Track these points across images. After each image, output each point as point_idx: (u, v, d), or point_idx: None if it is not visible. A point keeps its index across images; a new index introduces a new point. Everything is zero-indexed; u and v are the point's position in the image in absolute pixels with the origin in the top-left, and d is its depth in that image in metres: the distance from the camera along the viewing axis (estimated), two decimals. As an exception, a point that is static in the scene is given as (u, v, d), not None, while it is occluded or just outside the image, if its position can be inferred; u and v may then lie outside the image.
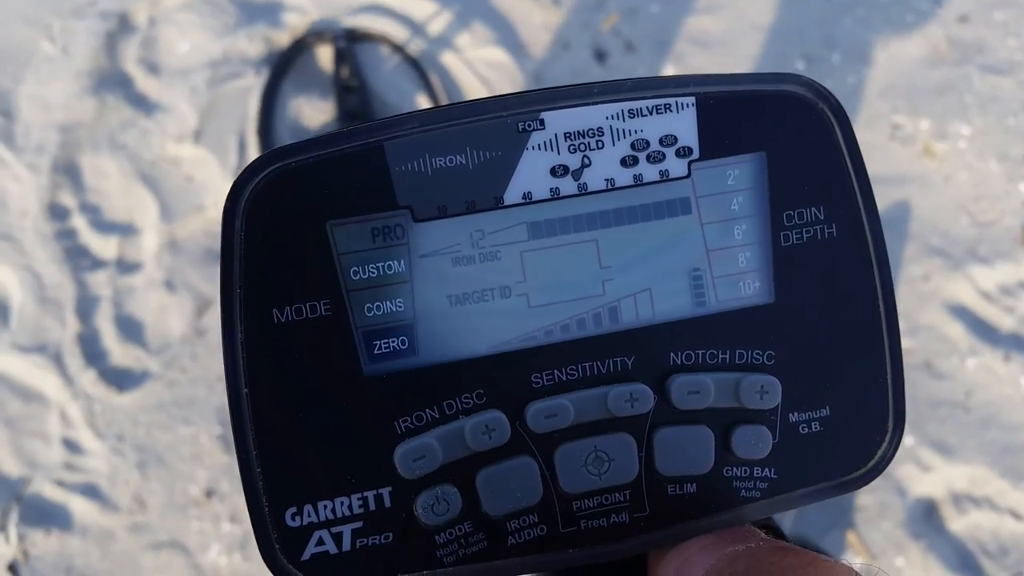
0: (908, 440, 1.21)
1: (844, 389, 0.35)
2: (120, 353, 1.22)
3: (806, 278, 0.35)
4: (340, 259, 0.32)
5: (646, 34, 1.39)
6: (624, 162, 0.33)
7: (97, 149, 1.30)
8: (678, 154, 0.34)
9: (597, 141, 0.33)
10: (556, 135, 0.33)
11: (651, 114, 0.33)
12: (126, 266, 1.25)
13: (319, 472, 0.32)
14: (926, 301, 1.27)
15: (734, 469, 0.34)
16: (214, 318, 1.20)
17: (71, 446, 1.18)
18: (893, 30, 1.40)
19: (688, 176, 0.34)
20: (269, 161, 0.32)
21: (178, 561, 1.14)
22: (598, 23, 1.39)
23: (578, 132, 0.33)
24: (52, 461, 1.17)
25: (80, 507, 1.16)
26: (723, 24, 1.40)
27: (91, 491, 1.17)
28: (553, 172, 0.33)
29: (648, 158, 0.34)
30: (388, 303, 0.32)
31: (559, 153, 0.33)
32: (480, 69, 1.36)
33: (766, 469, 0.35)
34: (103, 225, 1.27)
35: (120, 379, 1.21)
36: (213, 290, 1.21)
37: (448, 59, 1.37)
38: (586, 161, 0.33)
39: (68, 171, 1.29)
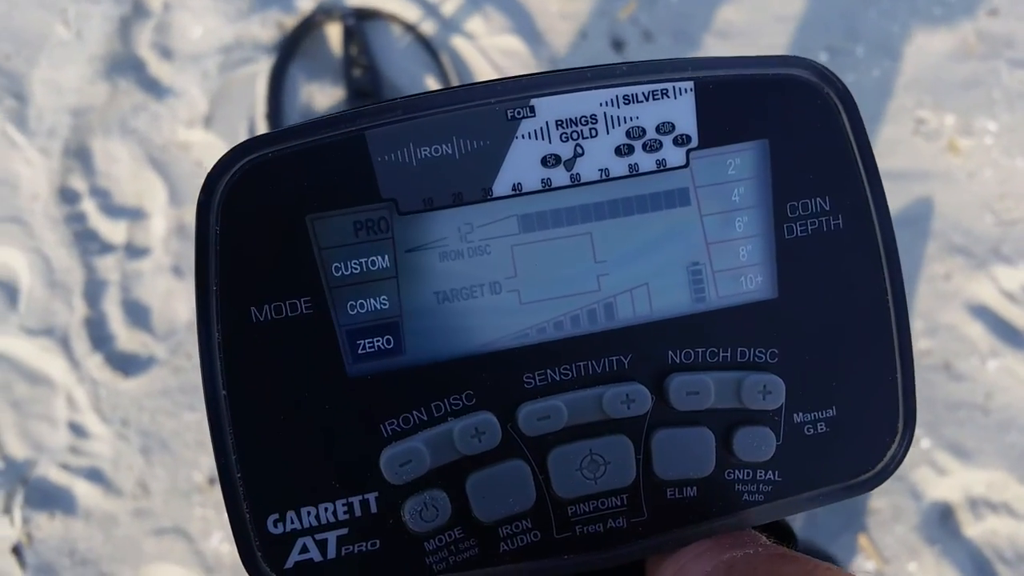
0: (924, 443, 1.19)
1: (851, 388, 0.34)
2: (127, 338, 1.22)
3: (811, 272, 0.33)
4: (321, 254, 0.31)
5: (665, 23, 1.36)
6: (619, 151, 0.32)
7: (108, 133, 1.30)
8: (676, 142, 0.32)
9: (590, 129, 0.32)
10: (547, 123, 0.31)
11: (647, 100, 0.32)
12: (134, 251, 1.25)
13: (302, 477, 0.31)
14: (947, 301, 1.24)
15: (736, 472, 0.33)
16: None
17: (77, 430, 1.19)
18: (920, 22, 1.36)
19: (686, 165, 0.33)
20: (244, 152, 0.30)
21: (180, 547, 1.14)
22: (616, 11, 1.37)
23: (570, 120, 0.32)
24: (58, 444, 1.18)
25: (84, 491, 1.16)
26: (745, 14, 1.37)
27: (95, 475, 1.17)
28: (544, 162, 0.32)
29: (644, 147, 0.32)
30: (372, 300, 0.31)
31: (550, 142, 0.32)
32: (494, 57, 1.35)
33: (770, 472, 0.34)
34: (112, 209, 1.27)
35: (126, 364, 1.21)
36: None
37: (461, 44, 1.36)
38: (579, 150, 0.32)
39: (79, 155, 1.29)
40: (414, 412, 0.31)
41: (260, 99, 1.30)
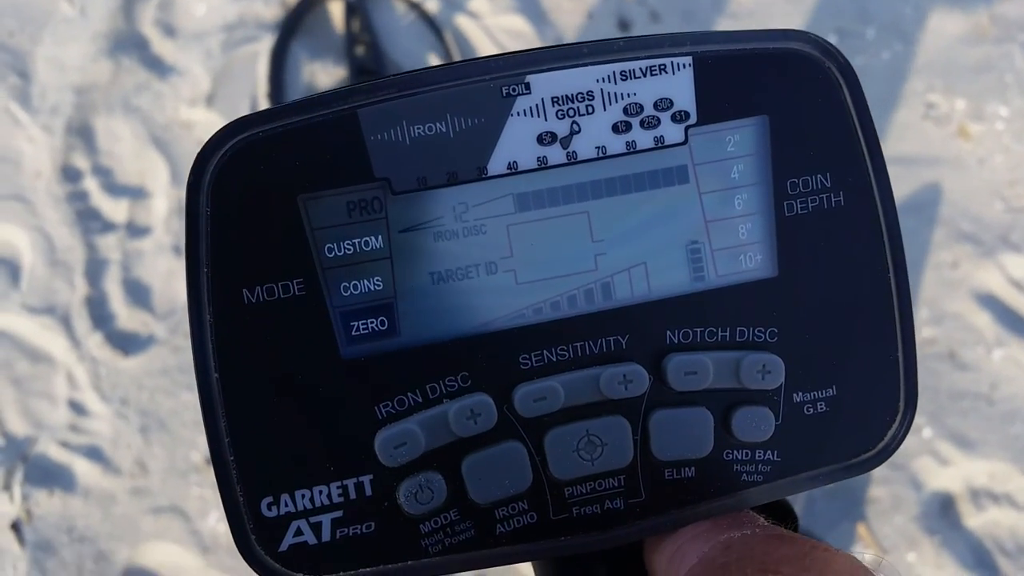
0: (926, 432, 1.18)
1: (852, 368, 0.33)
2: (127, 317, 1.22)
3: (811, 250, 0.33)
4: (314, 235, 0.30)
5: (672, 3, 1.34)
6: (616, 128, 0.31)
7: (111, 111, 1.29)
8: (674, 119, 0.32)
9: (587, 106, 0.31)
10: (543, 100, 0.31)
11: (645, 76, 0.31)
12: (136, 230, 1.25)
13: (296, 460, 0.31)
14: (953, 288, 1.23)
15: (735, 452, 0.33)
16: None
17: (76, 408, 1.19)
18: (932, 4, 1.34)
19: (685, 142, 0.32)
20: (235, 131, 0.30)
21: (177, 526, 1.14)
22: (623, -8, 1.35)
23: (566, 96, 0.31)
24: (58, 422, 1.18)
25: (83, 469, 1.16)
26: (753, -5, 1.35)
27: (94, 453, 1.17)
28: (540, 140, 0.31)
29: (642, 124, 0.31)
30: (366, 281, 0.31)
31: (546, 119, 0.31)
32: (499, 36, 1.33)
33: (769, 452, 0.33)
34: (115, 188, 1.27)
35: (126, 343, 1.22)
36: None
37: (465, 23, 1.34)
38: (575, 128, 0.31)
39: (82, 133, 1.29)
40: (409, 394, 0.31)
41: (262, 78, 1.29)
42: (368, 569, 0.32)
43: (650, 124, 0.31)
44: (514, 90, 0.31)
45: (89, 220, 1.25)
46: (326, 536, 0.31)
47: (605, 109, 0.31)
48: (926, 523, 1.15)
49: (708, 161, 0.32)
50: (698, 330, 0.33)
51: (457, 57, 1.32)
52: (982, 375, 1.20)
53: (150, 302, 1.23)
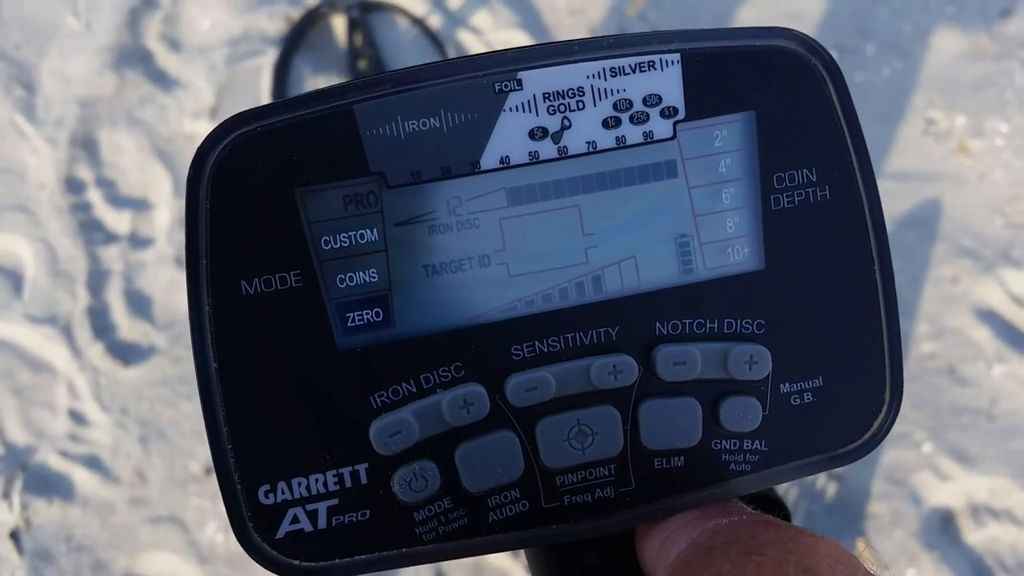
0: (927, 447, 1.17)
1: (838, 359, 0.34)
2: (128, 327, 1.23)
3: (798, 243, 0.33)
4: (310, 228, 0.31)
5: (673, 19, 1.36)
6: (606, 123, 0.32)
7: (115, 124, 1.30)
8: (663, 114, 0.32)
9: (577, 102, 0.32)
10: (534, 96, 0.31)
11: (634, 72, 0.32)
12: (138, 241, 1.26)
13: (292, 449, 0.32)
14: (953, 304, 1.23)
15: (723, 442, 0.34)
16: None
17: (77, 417, 1.19)
18: (932, 22, 1.36)
19: (674, 137, 0.32)
20: (234, 126, 0.31)
21: (175, 536, 1.14)
22: (624, 7, 1.37)
23: (557, 92, 0.31)
24: (58, 432, 1.18)
25: (82, 478, 1.16)
26: (754, 11, 1.36)
27: (94, 463, 1.17)
28: (532, 135, 0.32)
29: (631, 119, 0.32)
30: (362, 273, 0.31)
31: (538, 115, 0.31)
32: (501, 52, 1.34)
33: (756, 442, 0.34)
34: (118, 200, 1.28)
35: (127, 353, 1.22)
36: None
37: (467, 39, 1.36)
38: (566, 123, 0.32)
39: (86, 145, 1.30)
40: (403, 384, 0.32)
41: (265, 91, 1.30)
42: (363, 556, 0.32)
43: (639, 119, 0.32)
44: (506, 86, 0.31)
45: (92, 231, 1.26)
46: (322, 523, 0.32)
47: (595, 105, 0.32)
48: (926, 539, 1.14)
49: (696, 156, 0.33)
50: (687, 322, 0.33)
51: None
52: (982, 390, 1.20)
53: (151, 313, 1.23)
